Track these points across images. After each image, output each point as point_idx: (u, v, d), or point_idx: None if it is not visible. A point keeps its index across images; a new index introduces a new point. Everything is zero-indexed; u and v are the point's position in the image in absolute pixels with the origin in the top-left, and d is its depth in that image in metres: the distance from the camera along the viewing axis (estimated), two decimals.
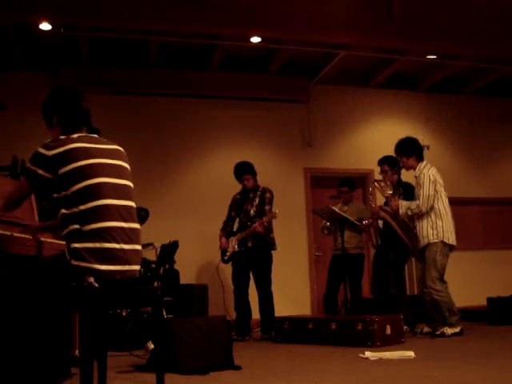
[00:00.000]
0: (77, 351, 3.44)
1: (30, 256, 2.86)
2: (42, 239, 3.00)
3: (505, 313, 6.13)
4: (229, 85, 7.49)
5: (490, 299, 6.31)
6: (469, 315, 6.56)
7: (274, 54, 7.20)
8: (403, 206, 5.34)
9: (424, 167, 5.35)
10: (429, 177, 5.24)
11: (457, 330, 5.08)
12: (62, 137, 2.54)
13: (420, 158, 5.41)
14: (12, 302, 2.41)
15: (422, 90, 8.30)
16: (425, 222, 5.24)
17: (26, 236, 2.90)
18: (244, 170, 5.81)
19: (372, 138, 7.99)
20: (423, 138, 7.68)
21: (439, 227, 5.19)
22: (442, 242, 5.18)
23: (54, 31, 5.95)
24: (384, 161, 5.89)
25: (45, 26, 5.81)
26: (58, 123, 2.63)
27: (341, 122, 8.00)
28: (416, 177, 5.38)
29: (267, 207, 5.70)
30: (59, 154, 2.46)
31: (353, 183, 6.43)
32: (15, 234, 2.81)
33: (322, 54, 7.23)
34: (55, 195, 2.47)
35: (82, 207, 2.40)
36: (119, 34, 6.37)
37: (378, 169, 6.01)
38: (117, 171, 2.56)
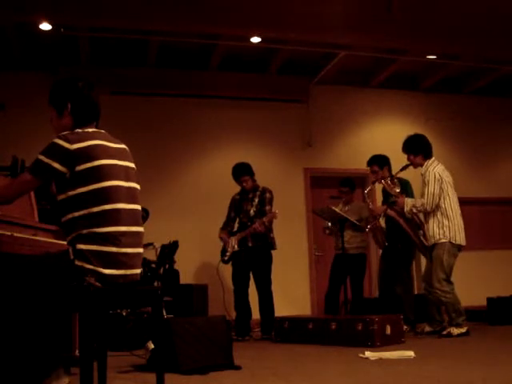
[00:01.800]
0: (77, 351, 3.44)
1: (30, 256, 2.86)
2: (42, 239, 3.00)
3: (505, 313, 6.14)
4: (229, 85, 7.49)
5: (489, 299, 6.32)
6: (469, 315, 6.55)
7: (274, 53, 7.20)
8: (408, 203, 5.27)
9: (430, 165, 5.24)
10: (434, 174, 5.14)
11: (463, 330, 5.05)
12: (79, 130, 2.41)
13: (427, 156, 5.31)
14: (12, 301, 2.38)
15: (422, 90, 8.29)
16: (431, 221, 5.17)
17: (26, 236, 2.90)
18: (242, 172, 5.78)
19: (372, 138, 7.99)
20: None
21: (445, 227, 5.10)
22: (450, 242, 5.10)
23: (53, 31, 5.95)
24: (372, 161, 5.84)
25: (45, 26, 5.80)
26: (71, 112, 2.48)
27: (341, 122, 8.00)
28: (422, 174, 5.31)
29: (267, 207, 5.69)
30: (81, 150, 2.32)
31: (354, 183, 6.41)
32: (15, 234, 2.81)
33: (322, 53, 7.23)
34: (61, 197, 2.36)
35: (95, 209, 2.31)
36: (119, 34, 6.36)
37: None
38: (126, 173, 2.49)
